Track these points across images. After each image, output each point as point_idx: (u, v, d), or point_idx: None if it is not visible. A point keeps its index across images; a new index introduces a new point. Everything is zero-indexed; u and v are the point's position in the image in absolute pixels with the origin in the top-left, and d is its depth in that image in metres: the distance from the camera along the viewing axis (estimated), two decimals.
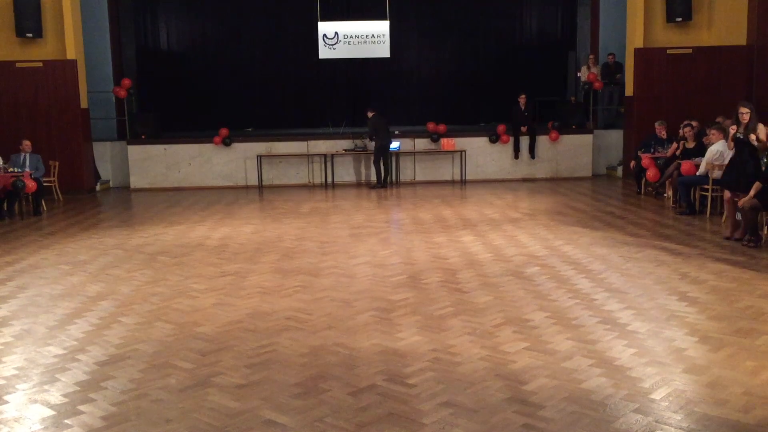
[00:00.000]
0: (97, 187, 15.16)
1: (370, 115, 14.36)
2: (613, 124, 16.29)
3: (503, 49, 18.27)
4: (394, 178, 15.04)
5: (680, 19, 14.32)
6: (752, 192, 8.11)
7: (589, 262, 7.56)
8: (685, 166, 10.56)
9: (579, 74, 16.60)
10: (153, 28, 18.01)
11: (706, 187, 10.05)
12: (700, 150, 10.99)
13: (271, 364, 4.79)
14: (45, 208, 12.16)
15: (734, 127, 8.89)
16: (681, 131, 11.66)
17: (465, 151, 15.18)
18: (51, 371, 4.75)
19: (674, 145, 11.66)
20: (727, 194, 8.80)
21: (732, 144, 8.99)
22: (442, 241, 8.81)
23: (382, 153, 14.41)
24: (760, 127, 8.77)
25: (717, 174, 9.77)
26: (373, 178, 14.77)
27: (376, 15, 15.97)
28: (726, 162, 9.70)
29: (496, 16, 18.26)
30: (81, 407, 4.16)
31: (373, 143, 14.47)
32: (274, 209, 11.98)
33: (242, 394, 4.31)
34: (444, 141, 15.18)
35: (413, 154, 15.27)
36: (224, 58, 17.87)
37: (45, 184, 12.62)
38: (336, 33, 15.86)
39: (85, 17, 14.98)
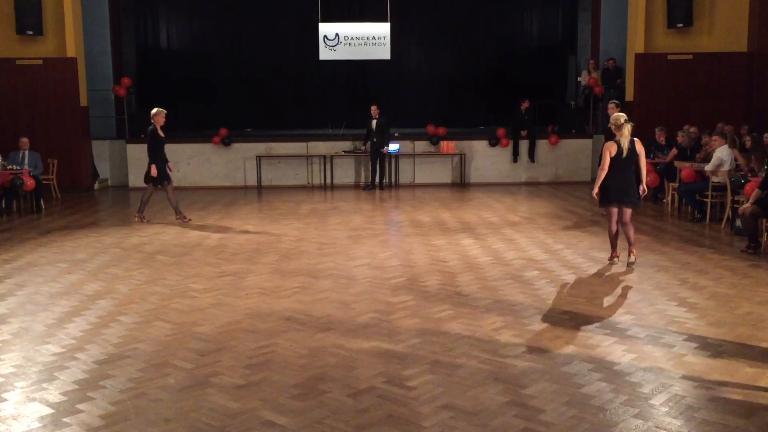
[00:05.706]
0: (96, 186, 15.14)
1: (378, 113, 14.24)
2: None
3: (504, 52, 18.28)
4: (393, 180, 15.03)
5: (681, 25, 14.36)
6: (752, 199, 8.13)
7: (588, 266, 7.56)
8: (686, 171, 10.56)
9: (579, 79, 16.61)
10: (153, 28, 18.01)
11: (706, 193, 10.05)
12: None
13: (270, 365, 4.77)
14: (43, 206, 12.13)
15: None
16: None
17: (464, 154, 15.18)
18: (49, 369, 4.73)
19: (674, 150, 11.59)
20: None
21: None
22: (442, 244, 8.81)
23: (380, 154, 14.40)
24: None
25: (718, 179, 9.78)
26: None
27: (377, 17, 15.99)
28: (726, 168, 9.71)
29: (497, 19, 18.29)
30: (80, 406, 4.15)
31: (369, 140, 14.40)
32: (273, 210, 11.96)
33: (241, 394, 4.30)
34: (443, 144, 15.18)
35: (413, 156, 15.26)
36: (224, 58, 17.86)
37: (43, 182, 12.60)
38: (337, 34, 15.87)
39: (85, 15, 14.97)
